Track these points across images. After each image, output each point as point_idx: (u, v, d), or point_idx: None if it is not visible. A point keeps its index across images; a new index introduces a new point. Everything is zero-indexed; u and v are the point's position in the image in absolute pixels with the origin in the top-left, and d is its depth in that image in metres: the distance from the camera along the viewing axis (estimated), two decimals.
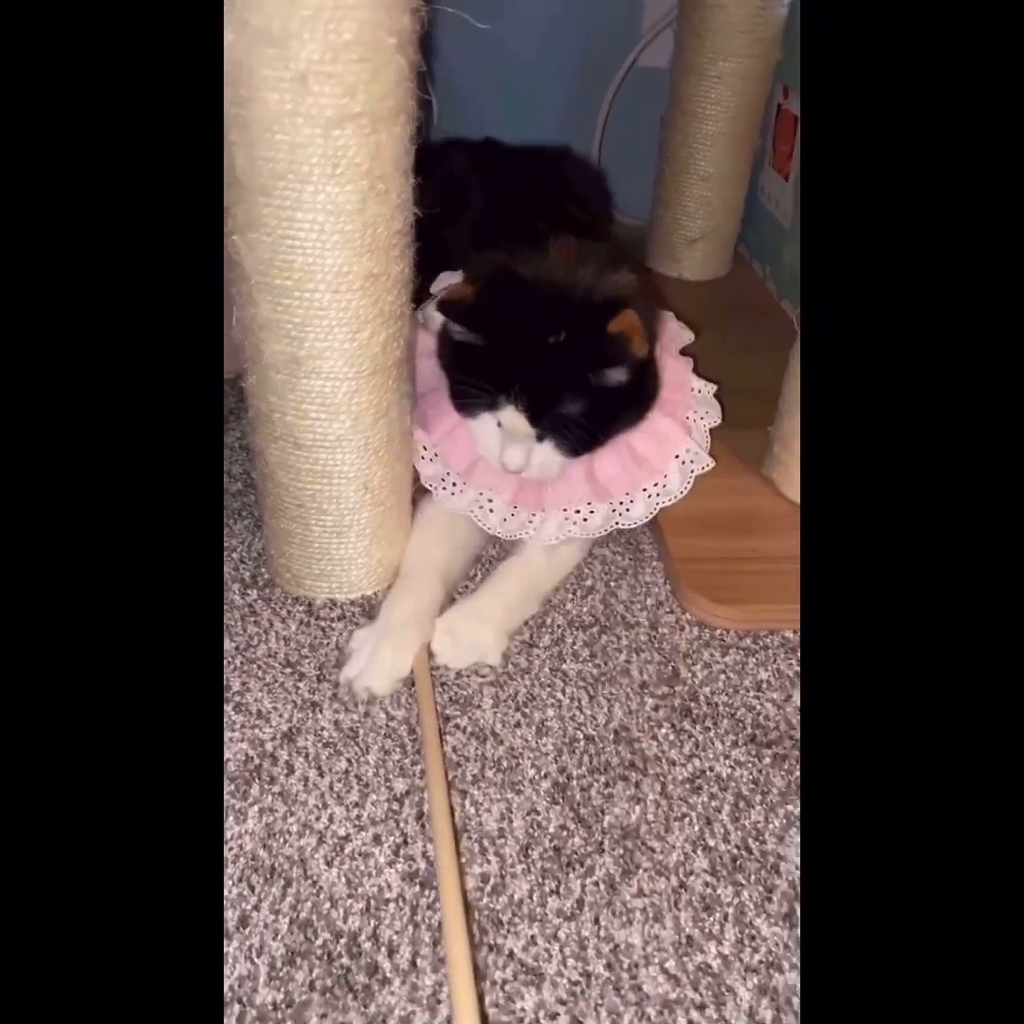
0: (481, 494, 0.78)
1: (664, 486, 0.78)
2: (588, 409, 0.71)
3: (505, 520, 0.78)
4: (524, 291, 0.71)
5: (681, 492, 0.78)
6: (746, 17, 1.12)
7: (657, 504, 0.78)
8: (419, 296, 0.73)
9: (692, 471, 0.78)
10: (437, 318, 0.76)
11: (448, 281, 0.81)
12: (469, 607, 0.74)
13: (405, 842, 0.60)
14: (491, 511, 0.78)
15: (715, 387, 0.82)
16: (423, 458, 0.79)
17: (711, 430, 0.80)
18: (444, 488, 0.79)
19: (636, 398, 0.75)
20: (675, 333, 0.83)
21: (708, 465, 0.79)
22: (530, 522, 0.78)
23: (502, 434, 0.73)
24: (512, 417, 0.71)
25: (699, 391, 0.81)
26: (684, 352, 0.83)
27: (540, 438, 0.72)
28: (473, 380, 0.72)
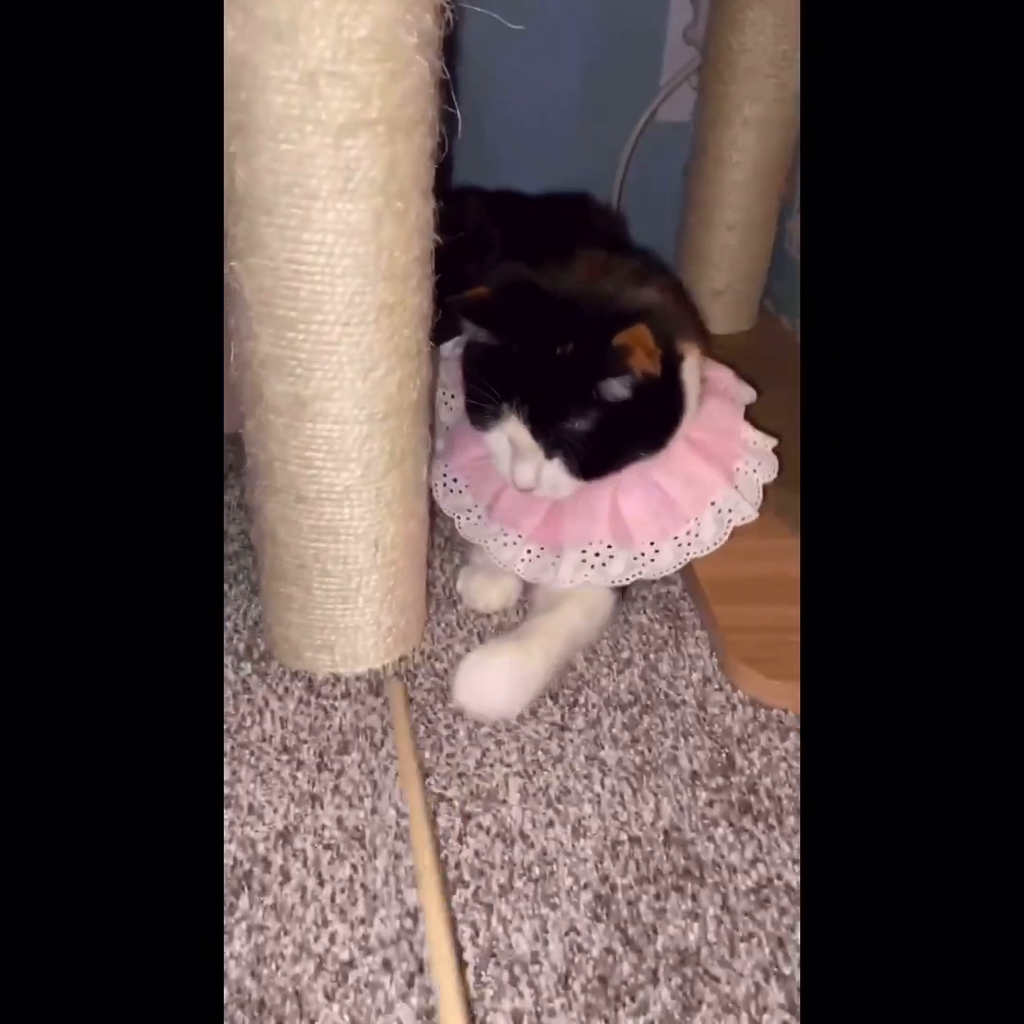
0: (500, 529, 0.74)
1: (696, 535, 0.71)
2: (594, 427, 0.65)
3: (523, 560, 0.72)
4: (539, 299, 0.67)
5: (715, 543, 0.71)
6: (771, 61, 1.08)
7: (687, 554, 0.71)
8: (440, 335, 0.67)
9: (729, 521, 0.71)
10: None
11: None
12: (506, 648, 0.66)
13: (420, 969, 0.50)
14: (505, 546, 0.73)
15: (775, 441, 0.74)
16: (448, 489, 0.76)
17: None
18: (467, 518, 0.75)
19: (647, 421, 0.68)
20: (729, 383, 0.76)
21: (748, 517, 0.71)
22: (552, 565, 0.71)
23: (512, 449, 0.68)
24: (516, 429, 0.66)
25: (754, 443, 0.74)
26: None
27: (549, 455, 0.67)
28: (481, 385, 0.67)
